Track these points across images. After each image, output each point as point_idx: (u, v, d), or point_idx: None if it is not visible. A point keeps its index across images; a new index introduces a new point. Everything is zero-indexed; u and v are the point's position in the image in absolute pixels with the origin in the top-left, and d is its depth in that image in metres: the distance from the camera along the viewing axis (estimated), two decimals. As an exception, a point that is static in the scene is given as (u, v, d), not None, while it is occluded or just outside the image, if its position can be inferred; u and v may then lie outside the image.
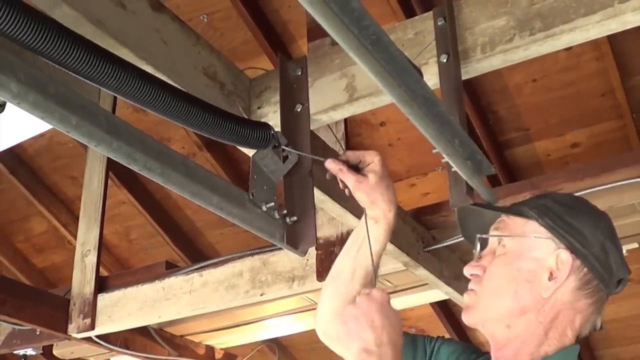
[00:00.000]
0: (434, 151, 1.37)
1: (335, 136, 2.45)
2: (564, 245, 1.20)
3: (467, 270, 1.29)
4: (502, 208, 1.33)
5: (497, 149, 3.51)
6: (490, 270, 1.25)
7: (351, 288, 1.44)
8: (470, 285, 1.28)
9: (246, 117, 1.75)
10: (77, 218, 3.31)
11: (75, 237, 3.32)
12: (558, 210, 1.23)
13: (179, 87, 1.44)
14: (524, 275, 1.21)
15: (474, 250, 1.32)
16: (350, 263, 1.49)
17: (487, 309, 1.24)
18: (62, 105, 1.16)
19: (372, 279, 1.42)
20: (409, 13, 2.85)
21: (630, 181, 2.33)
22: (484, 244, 1.31)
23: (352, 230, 2.49)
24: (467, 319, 1.27)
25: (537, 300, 1.19)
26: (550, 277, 1.19)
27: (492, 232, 1.30)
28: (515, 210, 1.28)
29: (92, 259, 3.09)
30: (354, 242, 1.51)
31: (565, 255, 1.19)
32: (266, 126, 1.54)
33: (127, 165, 1.28)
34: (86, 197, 3.23)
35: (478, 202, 1.43)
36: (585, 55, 3.15)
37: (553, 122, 3.41)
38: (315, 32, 1.92)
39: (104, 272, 3.95)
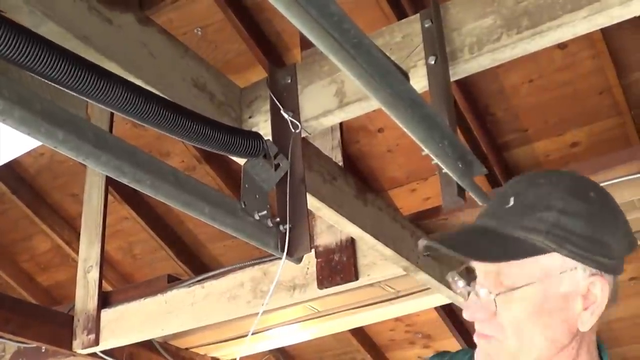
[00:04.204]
0: (423, 153, 1.36)
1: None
2: (594, 267, 1.01)
3: (470, 316, 1.06)
4: (498, 249, 1.02)
5: (496, 151, 3.50)
6: (512, 319, 1.02)
7: None
8: (484, 330, 1.05)
9: (236, 126, 1.75)
10: (80, 235, 3.31)
11: (78, 254, 3.33)
12: (574, 226, 1.00)
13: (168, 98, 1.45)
14: (558, 318, 1.01)
15: (464, 296, 1.07)
16: None
17: (520, 357, 1.03)
18: (48, 121, 1.16)
19: None
20: (401, 17, 2.85)
21: (630, 177, 2.32)
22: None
23: (350, 237, 2.51)
24: None
25: (573, 334, 1.03)
26: (584, 303, 1.01)
27: (487, 270, 1.04)
28: (524, 247, 1.00)
29: (94, 274, 3.10)
30: None
31: (600, 283, 1.01)
32: (256, 135, 1.55)
33: (117, 178, 1.28)
34: (87, 213, 3.23)
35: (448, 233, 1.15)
36: (581, 54, 3.14)
37: (552, 122, 3.40)
38: (308, 40, 1.91)
39: (109, 289, 3.96)
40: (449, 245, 1.02)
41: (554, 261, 1.00)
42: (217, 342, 3.59)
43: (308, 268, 2.57)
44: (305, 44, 2.13)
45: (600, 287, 1.01)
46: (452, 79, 1.58)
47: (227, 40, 3.27)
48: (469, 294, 1.06)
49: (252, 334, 3.44)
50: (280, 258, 1.58)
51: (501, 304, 1.02)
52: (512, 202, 1.04)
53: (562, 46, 3.08)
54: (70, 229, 4.34)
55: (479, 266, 1.06)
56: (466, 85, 3.22)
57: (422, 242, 1.05)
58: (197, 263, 4.36)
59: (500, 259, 1.02)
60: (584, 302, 1.01)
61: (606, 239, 1.01)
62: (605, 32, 2.93)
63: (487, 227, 1.05)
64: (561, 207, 1.01)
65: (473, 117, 3.34)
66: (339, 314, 3.23)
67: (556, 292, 1.01)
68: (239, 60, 3.28)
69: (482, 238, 1.04)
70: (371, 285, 2.74)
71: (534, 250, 1.00)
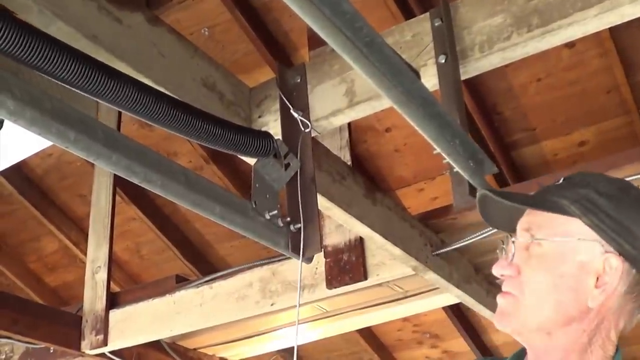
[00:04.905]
0: (434, 152, 1.36)
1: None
2: (613, 248, 1.07)
3: (498, 270, 1.14)
4: (534, 200, 1.16)
5: (504, 150, 3.49)
6: (529, 274, 1.11)
7: None
8: (506, 288, 1.13)
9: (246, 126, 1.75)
10: (88, 236, 3.32)
11: (86, 255, 3.33)
12: (603, 204, 1.08)
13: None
14: (568, 283, 1.08)
15: (501, 247, 1.16)
16: None
17: (528, 318, 1.10)
18: (59, 121, 1.16)
19: None
20: (409, 16, 2.84)
21: (638, 176, 2.31)
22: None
23: (359, 237, 2.52)
24: (503, 325, 1.13)
25: (583, 310, 1.08)
26: (597, 282, 1.07)
27: (522, 228, 1.14)
28: (552, 205, 1.11)
29: (102, 275, 3.10)
30: None
31: (616, 261, 1.07)
32: (267, 135, 1.55)
33: (127, 178, 1.28)
34: (95, 214, 3.23)
35: (502, 190, 1.28)
36: (589, 52, 3.13)
37: (559, 121, 3.39)
38: (316, 40, 1.92)
39: (116, 289, 3.96)
40: (499, 195, 1.14)
41: (576, 227, 1.09)
42: (225, 343, 3.58)
43: (317, 268, 2.56)
44: (313, 43, 2.13)
45: (615, 265, 1.06)
46: (463, 78, 1.58)
47: (235, 41, 3.27)
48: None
49: (261, 334, 3.44)
50: (289, 257, 1.58)
51: (523, 261, 1.11)
52: (561, 181, 1.15)
53: (569, 45, 3.08)
54: (78, 229, 4.35)
55: (518, 226, 1.15)
56: (474, 84, 3.21)
57: (480, 192, 1.16)
58: (204, 263, 4.36)
59: (527, 204, 1.14)
60: (598, 281, 1.07)
61: (634, 228, 1.07)
62: (613, 30, 2.92)
63: (534, 194, 1.18)
64: (596, 187, 1.10)
65: (481, 116, 3.34)
66: (347, 314, 3.22)
67: (573, 258, 1.08)
68: (246, 61, 3.28)
69: (525, 196, 1.19)
70: (379, 285, 2.74)
71: (560, 210, 1.09)
